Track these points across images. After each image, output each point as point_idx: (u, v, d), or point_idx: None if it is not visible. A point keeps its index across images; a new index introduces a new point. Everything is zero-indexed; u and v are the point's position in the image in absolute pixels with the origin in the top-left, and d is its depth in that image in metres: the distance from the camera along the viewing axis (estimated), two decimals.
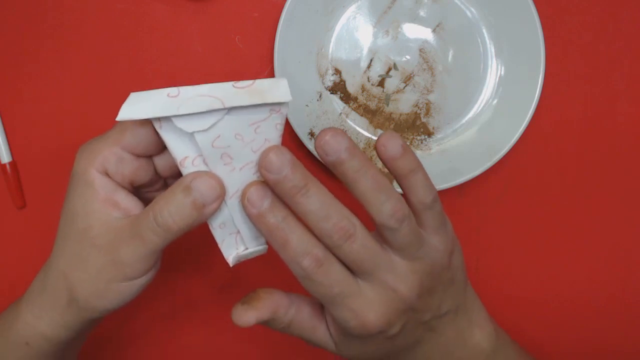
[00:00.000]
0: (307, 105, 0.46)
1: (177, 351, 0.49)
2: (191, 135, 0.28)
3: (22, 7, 0.45)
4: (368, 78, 0.46)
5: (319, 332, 0.35)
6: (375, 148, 0.31)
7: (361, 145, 0.46)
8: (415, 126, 0.47)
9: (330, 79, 0.46)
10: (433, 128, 0.47)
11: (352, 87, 0.46)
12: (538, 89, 0.44)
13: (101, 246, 0.30)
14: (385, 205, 0.30)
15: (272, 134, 0.30)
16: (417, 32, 0.46)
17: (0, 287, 0.47)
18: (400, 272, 0.31)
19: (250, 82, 0.29)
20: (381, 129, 0.47)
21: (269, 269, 0.47)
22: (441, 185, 0.44)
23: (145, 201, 0.33)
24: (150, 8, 0.46)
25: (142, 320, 0.48)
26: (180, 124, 0.28)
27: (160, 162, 0.33)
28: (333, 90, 0.46)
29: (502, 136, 0.45)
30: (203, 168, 0.30)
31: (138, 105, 0.28)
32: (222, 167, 0.30)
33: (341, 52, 0.46)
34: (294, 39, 0.44)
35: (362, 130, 0.47)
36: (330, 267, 0.30)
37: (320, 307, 0.35)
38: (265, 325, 0.33)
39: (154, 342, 0.49)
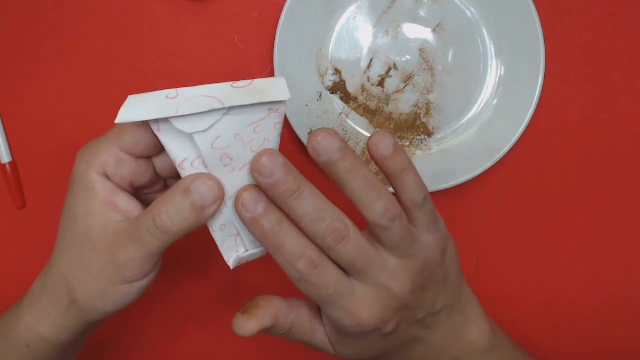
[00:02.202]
0: (307, 105, 0.46)
1: (177, 356, 0.49)
2: (190, 136, 0.29)
3: (22, 7, 0.45)
4: (368, 78, 0.46)
5: (318, 334, 0.35)
6: (367, 147, 0.31)
7: (361, 145, 0.46)
8: (415, 126, 0.47)
9: (330, 79, 0.46)
10: (433, 128, 0.47)
11: (352, 87, 0.46)
12: (538, 89, 0.45)
13: (101, 248, 0.30)
14: (376, 204, 0.30)
15: (271, 133, 0.30)
16: (417, 32, 0.46)
17: (0, 287, 0.47)
18: (393, 270, 0.32)
19: (248, 81, 0.29)
20: (381, 129, 0.47)
21: (268, 273, 0.47)
22: (441, 185, 0.44)
23: (146, 203, 0.33)
24: (150, 8, 0.46)
25: (142, 325, 0.48)
26: (179, 125, 0.28)
27: (159, 162, 0.33)
28: (333, 90, 0.46)
29: (502, 136, 0.45)
30: (202, 170, 0.30)
31: (136, 108, 0.28)
32: (222, 168, 0.30)
33: (341, 52, 0.46)
34: (294, 39, 0.44)
35: (362, 130, 0.47)
36: (324, 268, 0.30)
37: (318, 309, 0.35)
38: (266, 332, 0.33)
39: (153, 346, 0.49)
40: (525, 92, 0.45)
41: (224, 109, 0.28)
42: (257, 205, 0.29)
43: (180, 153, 0.29)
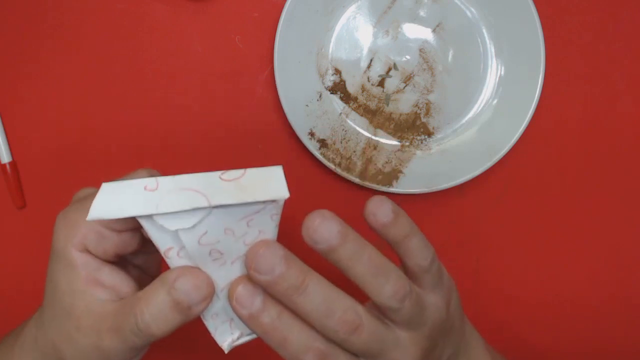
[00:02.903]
0: (307, 105, 0.46)
1: None
2: (174, 231, 0.25)
3: (22, 7, 0.45)
4: (368, 78, 0.46)
5: None
6: (365, 217, 0.28)
7: (361, 145, 0.46)
8: (415, 126, 0.47)
9: (330, 79, 0.46)
10: (433, 128, 0.47)
11: (352, 87, 0.46)
12: (538, 89, 0.45)
13: (85, 329, 0.28)
14: (384, 288, 0.28)
15: (267, 225, 0.27)
16: (417, 32, 0.46)
17: (0, 287, 0.47)
18: (405, 345, 0.30)
19: (240, 172, 0.26)
20: (381, 129, 0.47)
21: None
22: (441, 185, 0.44)
23: (139, 265, 0.31)
24: (150, 8, 0.46)
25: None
26: (161, 221, 0.25)
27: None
28: (333, 90, 0.46)
29: (502, 136, 0.45)
30: (189, 261, 0.27)
31: (112, 202, 0.25)
32: (210, 262, 0.27)
33: (341, 52, 0.46)
34: (294, 39, 0.44)
35: (362, 130, 0.47)
36: (335, 359, 0.28)
37: None
38: None
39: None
40: (525, 92, 0.45)
41: (209, 207, 0.25)
42: (253, 300, 0.27)
43: (165, 242, 0.26)
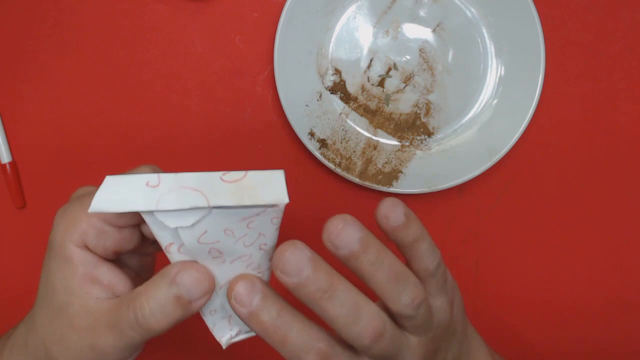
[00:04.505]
0: (307, 105, 0.46)
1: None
2: (174, 229, 0.26)
3: (21, 7, 0.45)
4: (368, 78, 0.46)
5: None
6: (377, 219, 0.28)
7: (361, 146, 0.46)
8: (415, 126, 0.47)
9: (330, 79, 0.46)
10: (433, 128, 0.47)
11: (352, 87, 0.46)
12: (538, 89, 0.45)
13: (80, 328, 0.28)
14: (403, 295, 0.27)
15: (268, 228, 0.27)
16: (417, 32, 0.46)
17: (0, 287, 0.47)
18: (414, 349, 0.30)
19: (241, 174, 0.26)
20: (381, 129, 0.47)
21: None
22: (441, 185, 0.44)
23: (133, 267, 0.31)
24: (150, 8, 0.46)
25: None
26: (161, 217, 0.25)
27: (147, 229, 0.30)
28: (333, 90, 0.46)
29: (502, 136, 0.45)
30: (190, 257, 0.27)
31: (114, 195, 0.25)
32: (210, 260, 0.27)
33: (341, 52, 0.46)
34: (294, 39, 0.44)
35: (362, 130, 0.47)
36: (336, 359, 0.27)
37: None
38: None
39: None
40: (525, 92, 0.45)
41: (208, 207, 0.25)
42: (252, 298, 0.26)
43: (166, 237, 0.26)
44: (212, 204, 0.25)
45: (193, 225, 0.25)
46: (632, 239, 0.49)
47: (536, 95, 0.45)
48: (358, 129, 0.47)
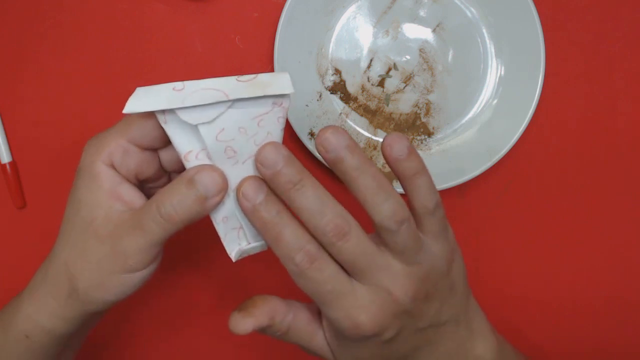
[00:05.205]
0: (307, 105, 0.46)
1: (174, 354, 0.49)
2: (195, 128, 0.29)
3: (21, 7, 0.45)
4: (368, 78, 0.46)
5: (317, 339, 0.34)
6: (381, 148, 0.31)
7: (361, 145, 0.46)
8: (415, 126, 0.47)
9: (330, 79, 0.46)
10: (433, 128, 0.47)
11: (352, 87, 0.46)
12: (538, 89, 0.45)
13: (104, 237, 0.30)
14: (384, 205, 0.30)
15: (274, 127, 0.31)
16: (417, 32, 0.46)
17: (0, 287, 0.47)
18: (396, 274, 0.31)
19: (253, 75, 0.30)
20: (381, 129, 0.47)
21: (269, 274, 0.47)
22: (441, 185, 0.44)
23: (149, 196, 0.33)
24: (150, 8, 0.46)
25: (139, 324, 0.48)
26: (185, 116, 0.29)
27: (165, 155, 0.33)
28: (333, 90, 0.46)
29: (502, 136, 0.45)
30: (207, 162, 0.30)
31: (144, 99, 0.28)
32: (225, 160, 0.30)
33: (341, 52, 0.46)
34: (294, 39, 0.44)
35: (362, 130, 0.47)
36: (323, 264, 0.30)
37: (318, 313, 0.35)
38: (263, 332, 0.33)
39: (151, 346, 0.49)
40: (525, 92, 0.45)
41: (228, 101, 0.29)
42: (257, 195, 0.30)
43: (185, 145, 0.30)
44: (231, 97, 0.29)
45: (213, 120, 0.29)
46: (632, 239, 0.49)
47: (536, 95, 0.45)
48: (358, 129, 0.47)
